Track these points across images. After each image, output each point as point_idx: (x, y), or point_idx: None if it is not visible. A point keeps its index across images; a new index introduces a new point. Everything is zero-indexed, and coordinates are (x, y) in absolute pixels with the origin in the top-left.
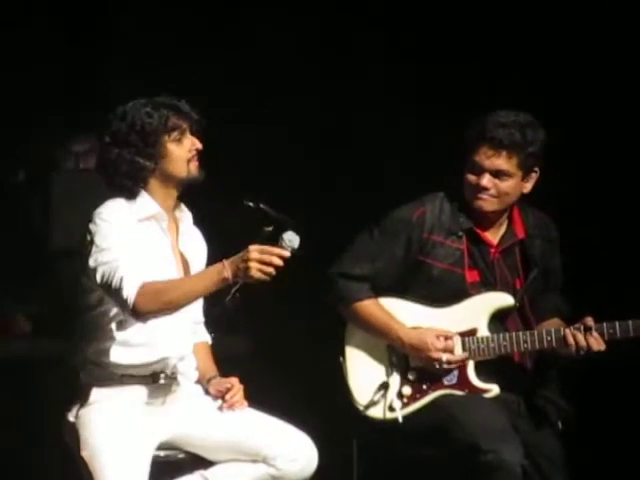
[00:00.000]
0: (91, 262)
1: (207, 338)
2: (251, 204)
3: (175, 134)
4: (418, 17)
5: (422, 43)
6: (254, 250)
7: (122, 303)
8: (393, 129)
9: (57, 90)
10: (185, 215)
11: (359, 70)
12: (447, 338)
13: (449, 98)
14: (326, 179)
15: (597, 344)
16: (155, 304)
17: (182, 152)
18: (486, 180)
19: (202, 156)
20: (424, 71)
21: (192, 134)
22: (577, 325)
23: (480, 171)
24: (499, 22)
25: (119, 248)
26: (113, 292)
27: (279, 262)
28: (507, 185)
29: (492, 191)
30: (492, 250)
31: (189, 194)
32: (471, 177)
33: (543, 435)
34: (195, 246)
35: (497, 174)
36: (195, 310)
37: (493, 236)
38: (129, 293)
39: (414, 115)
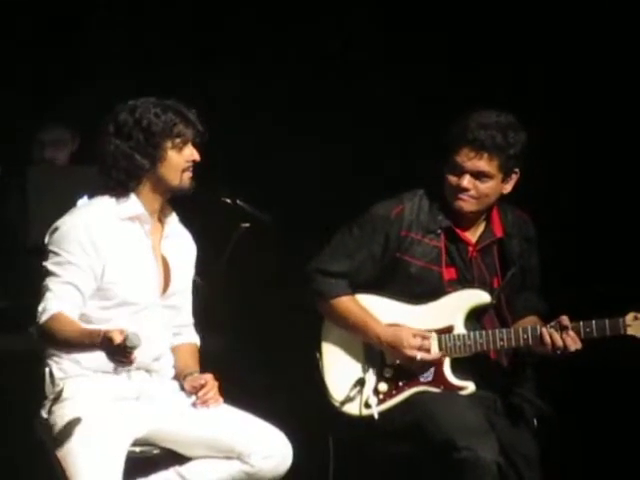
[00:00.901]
0: (45, 263)
1: (195, 340)
2: (228, 201)
3: (178, 141)
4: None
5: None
6: (111, 333)
7: (36, 317)
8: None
9: (27, 79)
10: (171, 218)
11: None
12: (423, 337)
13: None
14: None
15: (573, 343)
16: (53, 340)
17: (180, 160)
18: (466, 181)
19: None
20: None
21: (193, 145)
22: (553, 324)
23: (461, 172)
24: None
25: (65, 265)
26: (39, 303)
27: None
28: (487, 186)
29: (472, 192)
30: (470, 248)
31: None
32: (452, 178)
33: (519, 433)
34: (180, 250)
35: (478, 175)
36: (180, 312)
37: (471, 235)
38: (40, 317)
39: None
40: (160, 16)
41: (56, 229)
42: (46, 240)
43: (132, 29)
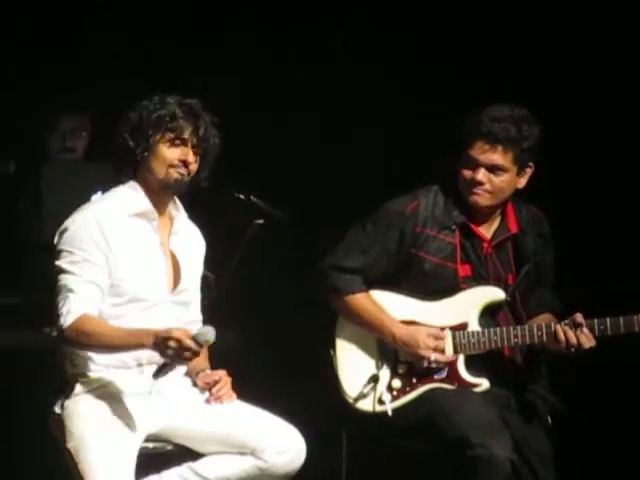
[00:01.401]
0: (58, 263)
1: None
2: (242, 197)
3: (169, 136)
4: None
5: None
6: (177, 333)
7: (56, 320)
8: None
9: (46, 73)
10: (181, 214)
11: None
12: (438, 338)
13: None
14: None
15: (587, 340)
16: (80, 341)
17: (168, 155)
18: (481, 175)
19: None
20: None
21: (194, 148)
22: (567, 321)
23: (475, 166)
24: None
25: (80, 263)
26: (55, 307)
27: (196, 353)
28: (502, 180)
29: (487, 186)
30: (485, 245)
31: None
32: (466, 172)
33: (532, 430)
34: (189, 246)
35: (492, 169)
36: (189, 308)
37: (486, 230)
38: (64, 321)
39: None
40: (160, 15)
41: (66, 229)
42: (56, 240)
43: (132, 29)
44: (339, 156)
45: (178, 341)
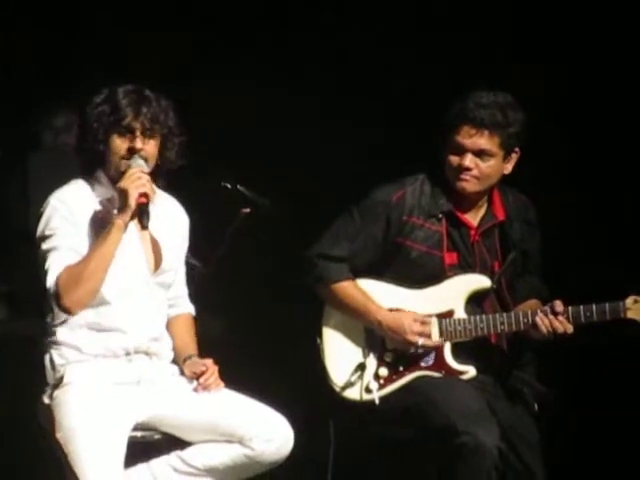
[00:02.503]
0: (40, 250)
1: (190, 309)
2: (228, 186)
3: (116, 127)
4: None
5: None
6: (120, 182)
7: (49, 297)
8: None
9: (38, 65)
10: (157, 197)
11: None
12: (424, 323)
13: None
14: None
15: (562, 327)
16: (76, 287)
17: (118, 147)
18: (468, 160)
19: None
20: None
21: (144, 132)
22: (544, 308)
23: (462, 151)
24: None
25: (57, 237)
26: (43, 284)
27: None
28: (488, 165)
29: (474, 171)
30: (472, 232)
31: (167, 176)
32: (453, 158)
33: (519, 417)
34: (171, 227)
35: (479, 154)
36: (172, 285)
37: (473, 218)
38: (50, 286)
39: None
40: (152, 11)
41: (40, 216)
42: (36, 233)
43: (124, 24)
44: (329, 143)
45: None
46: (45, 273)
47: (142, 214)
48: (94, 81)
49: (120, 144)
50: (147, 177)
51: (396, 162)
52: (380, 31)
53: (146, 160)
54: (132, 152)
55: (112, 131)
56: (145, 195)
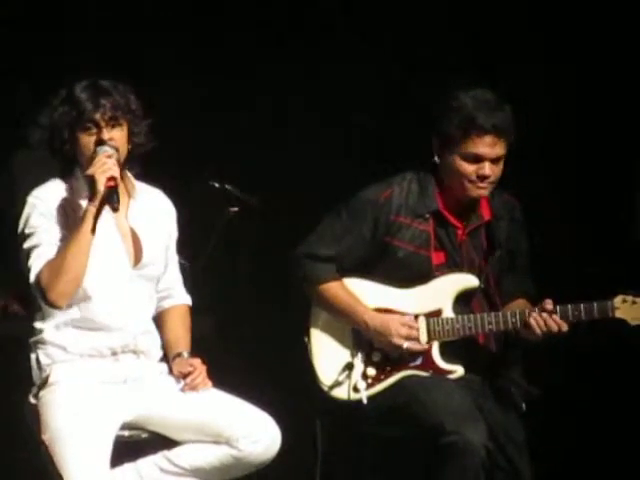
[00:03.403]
0: (19, 244)
1: (186, 300)
2: (216, 184)
3: (81, 124)
4: None
5: None
6: (88, 170)
7: (35, 293)
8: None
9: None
10: (137, 190)
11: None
12: (411, 327)
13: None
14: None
15: (556, 326)
16: (57, 279)
17: (86, 144)
18: (488, 169)
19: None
20: None
21: (109, 123)
22: (534, 308)
23: (479, 160)
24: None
25: (37, 234)
26: (28, 283)
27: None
28: (500, 168)
29: (492, 178)
30: (459, 232)
31: (153, 174)
32: (468, 167)
33: (507, 416)
34: (152, 219)
35: (495, 160)
36: (160, 280)
37: (460, 217)
38: (33, 280)
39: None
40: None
41: (20, 215)
42: (17, 232)
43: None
44: (319, 143)
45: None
46: (28, 270)
47: (110, 196)
48: (82, 77)
49: (88, 140)
50: (112, 161)
51: (387, 161)
52: (372, 28)
53: (116, 149)
54: (101, 144)
55: (77, 128)
56: (112, 178)
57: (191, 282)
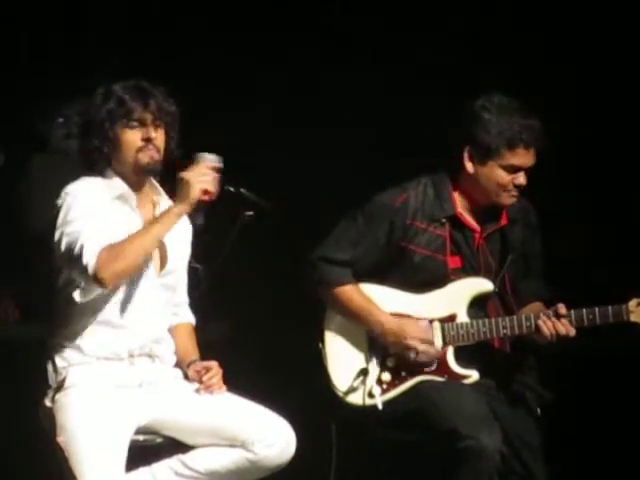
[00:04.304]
0: (56, 235)
1: (190, 319)
2: (231, 189)
3: (125, 121)
4: None
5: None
6: (185, 172)
7: (83, 271)
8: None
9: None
10: (163, 199)
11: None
12: (427, 331)
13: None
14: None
15: (565, 329)
16: (115, 261)
17: (131, 140)
18: (523, 178)
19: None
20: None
21: (154, 123)
22: (547, 312)
23: (516, 170)
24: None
25: (83, 219)
26: (74, 262)
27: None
28: (528, 176)
29: (524, 186)
30: (477, 235)
31: (168, 177)
32: (506, 177)
33: (522, 421)
34: (175, 230)
35: (528, 169)
36: (175, 292)
37: (478, 222)
38: (88, 259)
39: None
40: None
41: (58, 209)
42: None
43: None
44: (335, 148)
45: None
46: (75, 250)
47: (197, 211)
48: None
49: (133, 137)
50: (214, 175)
51: (398, 165)
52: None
53: (159, 152)
54: (147, 142)
55: (123, 126)
56: (207, 192)
57: (205, 286)
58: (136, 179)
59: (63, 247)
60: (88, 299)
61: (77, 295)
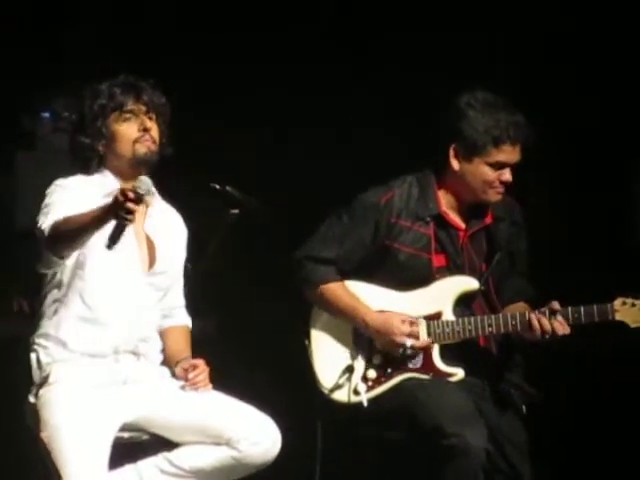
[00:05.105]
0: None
1: (187, 322)
2: (217, 186)
3: (120, 114)
4: None
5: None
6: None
7: (40, 235)
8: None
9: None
10: (155, 199)
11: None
12: (412, 324)
13: None
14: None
15: (562, 328)
16: (62, 230)
17: (128, 132)
18: (509, 174)
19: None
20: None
21: (147, 114)
22: (542, 309)
23: (502, 167)
24: None
25: (61, 201)
26: (37, 230)
27: (135, 201)
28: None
29: (510, 182)
30: (461, 234)
31: (156, 175)
32: (492, 174)
33: (507, 419)
34: (167, 230)
35: (514, 166)
36: (168, 293)
37: (463, 220)
38: (46, 226)
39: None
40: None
41: (44, 197)
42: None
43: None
44: (322, 147)
45: (123, 193)
46: (45, 216)
47: (112, 235)
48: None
49: (128, 129)
50: (138, 209)
51: (388, 165)
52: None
53: (155, 143)
54: (144, 132)
55: (117, 119)
56: (127, 215)
57: (193, 284)
58: (131, 173)
59: (36, 222)
60: (47, 270)
61: (72, 305)
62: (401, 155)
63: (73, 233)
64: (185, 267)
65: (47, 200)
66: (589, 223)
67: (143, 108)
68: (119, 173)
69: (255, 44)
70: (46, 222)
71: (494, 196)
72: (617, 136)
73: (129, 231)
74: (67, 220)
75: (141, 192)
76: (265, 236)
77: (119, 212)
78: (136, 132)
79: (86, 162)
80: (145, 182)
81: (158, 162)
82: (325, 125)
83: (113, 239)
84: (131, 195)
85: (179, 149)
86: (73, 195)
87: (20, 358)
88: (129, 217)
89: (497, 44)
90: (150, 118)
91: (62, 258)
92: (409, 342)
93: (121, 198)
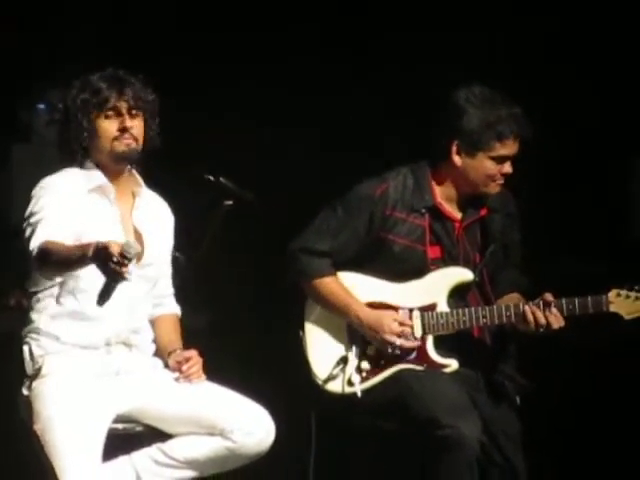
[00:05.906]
0: (23, 226)
1: (176, 310)
2: (211, 178)
3: (100, 111)
4: None
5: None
6: (110, 242)
7: (29, 256)
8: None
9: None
10: (143, 190)
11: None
12: (404, 323)
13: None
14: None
15: (556, 321)
16: (48, 263)
17: (107, 130)
18: (509, 166)
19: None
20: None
21: (129, 111)
22: (536, 301)
23: (504, 160)
24: None
25: (47, 209)
26: (27, 248)
27: (120, 264)
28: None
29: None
30: (456, 225)
31: (149, 167)
32: (494, 167)
33: (501, 410)
34: (155, 221)
35: (513, 158)
36: (157, 283)
37: (457, 212)
38: (34, 246)
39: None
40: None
41: (30, 200)
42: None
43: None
44: (322, 147)
45: (105, 249)
46: (32, 234)
47: (107, 289)
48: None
49: (109, 126)
50: (128, 269)
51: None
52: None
53: (136, 140)
54: (123, 132)
55: (98, 115)
56: (116, 276)
57: (186, 276)
58: (115, 167)
59: (25, 236)
60: (37, 289)
61: (64, 298)
62: (401, 155)
63: (59, 264)
64: (177, 259)
65: (33, 207)
66: (584, 216)
67: (125, 105)
68: (103, 167)
69: (255, 44)
70: (33, 242)
71: (494, 188)
72: (616, 135)
73: (116, 223)
74: (54, 249)
75: (130, 257)
76: (259, 228)
77: (108, 272)
78: (115, 131)
79: (72, 155)
80: (133, 246)
81: (140, 157)
82: (325, 125)
83: (103, 297)
84: (119, 260)
85: (179, 149)
86: (59, 201)
87: (16, 353)
88: (118, 278)
89: (497, 44)
90: (133, 115)
91: (51, 279)
92: (398, 341)
93: (111, 263)
